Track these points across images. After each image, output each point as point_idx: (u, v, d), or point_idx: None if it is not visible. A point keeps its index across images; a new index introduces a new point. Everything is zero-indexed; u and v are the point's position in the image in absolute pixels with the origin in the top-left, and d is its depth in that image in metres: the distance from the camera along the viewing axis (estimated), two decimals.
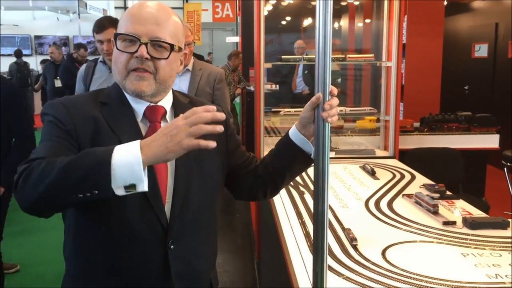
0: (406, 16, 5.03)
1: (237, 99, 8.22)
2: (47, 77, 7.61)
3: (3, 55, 11.62)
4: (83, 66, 3.17)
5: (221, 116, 1.05)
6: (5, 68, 10.79)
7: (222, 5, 21.12)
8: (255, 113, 3.49)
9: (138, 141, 1.04)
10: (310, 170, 3.23)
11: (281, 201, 2.49)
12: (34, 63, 12.63)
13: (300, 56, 3.59)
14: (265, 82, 7.33)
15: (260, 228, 3.65)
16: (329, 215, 2.23)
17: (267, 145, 3.66)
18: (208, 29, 22.60)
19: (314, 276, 1.27)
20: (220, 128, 1.05)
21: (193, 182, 1.30)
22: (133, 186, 1.02)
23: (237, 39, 10.85)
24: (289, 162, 1.41)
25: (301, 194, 2.61)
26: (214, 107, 1.06)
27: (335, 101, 1.25)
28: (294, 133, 1.38)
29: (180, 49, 1.29)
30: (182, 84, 2.84)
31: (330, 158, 3.59)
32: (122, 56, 1.23)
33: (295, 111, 3.66)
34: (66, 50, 12.83)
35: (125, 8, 19.50)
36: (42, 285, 3.43)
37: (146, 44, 1.21)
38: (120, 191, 1.02)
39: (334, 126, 3.99)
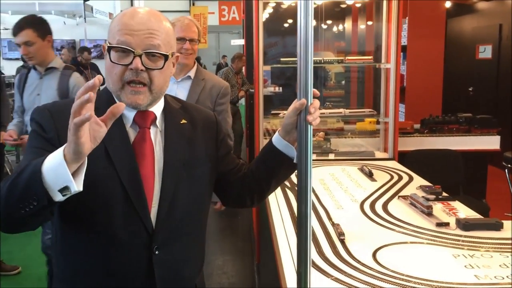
0: (407, 18, 5.03)
1: (242, 101, 8.25)
2: None
3: (11, 59, 11.74)
4: (18, 75, 3.09)
5: (93, 82, 0.96)
6: (12, 71, 10.89)
7: (229, 8, 21.20)
8: (254, 115, 3.51)
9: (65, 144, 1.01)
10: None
11: (276, 202, 2.51)
12: None
13: (295, 59, 3.59)
14: (269, 84, 7.38)
15: (260, 229, 3.66)
16: (323, 216, 2.25)
17: None
18: (214, 32, 22.67)
19: (298, 277, 1.28)
20: (90, 95, 0.95)
21: (180, 187, 1.31)
22: (67, 188, 1.00)
23: (242, 41, 10.88)
24: (274, 168, 1.42)
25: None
26: (94, 82, 0.96)
27: (317, 103, 1.26)
28: (277, 139, 1.38)
29: (172, 54, 1.29)
30: (180, 91, 2.55)
31: (329, 160, 3.56)
32: (116, 68, 1.22)
33: None
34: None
35: None
36: (43, 286, 3.46)
37: (140, 56, 1.20)
38: (58, 197, 1.02)
39: (334, 128, 3.99)
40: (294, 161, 1.35)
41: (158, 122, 1.33)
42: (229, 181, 1.47)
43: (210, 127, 1.45)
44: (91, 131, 0.99)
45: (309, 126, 1.25)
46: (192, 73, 2.62)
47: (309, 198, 1.27)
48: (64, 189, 1.00)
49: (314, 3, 3.87)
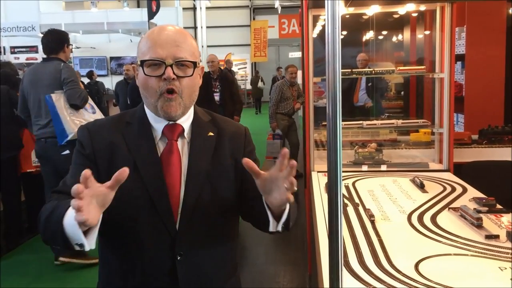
0: (465, 26, 4.90)
1: (300, 113, 8.29)
2: (119, 94, 8.10)
3: (83, 76, 12.43)
4: None
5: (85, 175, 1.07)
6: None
7: (288, 21, 21.43)
8: (304, 126, 3.55)
9: None
10: (358, 182, 3.18)
11: (322, 212, 2.53)
12: (110, 83, 13.41)
13: (349, 70, 3.60)
14: (324, 96, 7.37)
15: (312, 240, 3.67)
16: (369, 227, 2.25)
17: (319, 158, 3.70)
18: (274, 45, 22.98)
19: (330, 282, 1.31)
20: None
21: (203, 197, 1.37)
22: (83, 245, 1.12)
23: (299, 54, 10.95)
24: (258, 215, 1.36)
25: (344, 206, 2.62)
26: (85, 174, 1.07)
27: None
28: None
29: (198, 64, 1.40)
30: None
31: (381, 171, 3.51)
32: (151, 80, 1.34)
33: (345, 125, 3.66)
34: None
35: (194, 28, 20.25)
36: None
37: (171, 65, 1.32)
38: (77, 248, 1.13)
39: (387, 139, 3.95)
40: (270, 229, 1.32)
41: (186, 134, 1.42)
42: (248, 197, 1.43)
43: (238, 139, 1.51)
44: (99, 201, 1.10)
45: (338, 135, 1.26)
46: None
47: (339, 213, 1.29)
48: (80, 245, 1.12)
49: (365, 14, 3.83)
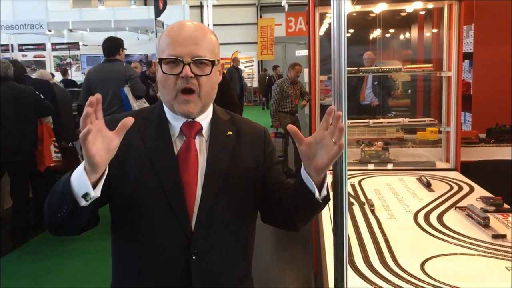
0: (473, 24, 4.86)
1: (306, 110, 8.27)
2: None
3: None
4: None
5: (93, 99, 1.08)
6: None
7: (295, 19, 21.37)
8: (311, 125, 3.54)
9: None
10: (365, 181, 3.17)
11: (327, 210, 2.51)
12: None
13: (355, 68, 3.57)
14: (331, 94, 7.36)
15: (317, 238, 3.66)
16: (375, 226, 2.24)
17: None
18: (281, 43, 22.95)
19: (335, 281, 1.31)
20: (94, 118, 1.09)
21: (220, 196, 1.35)
22: (88, 194, 1.12)
23: (306, 52, 10.93)
24: (295, 197, 1.36)
25: (350, 205, 2.61)
26: (96, 97, 1.09)
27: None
28: (302, 168, 1.30)
29: (218, 61, 1.38)
30: None
31: (387, 169, 3.48)
32: (169, 78, 1.32)
33: (351, 123, 3.65)
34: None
35: None
36: None
37: (189, 64, 1.30)
38: (82, 202, 1.13)
39: (393, 137, 3.93)
40: (316, 196, 1.27)
41: (204, 132, 1.40)
42: (268, 197, 1.44)
43: (258, 139, 1.48)
44: (104, 144, 1.11)
45: (344, 135, 1.24)
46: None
47: (345, 205, 1.29)
48: (85, 195, 1.12)
49: (372, 12, 3.80)
